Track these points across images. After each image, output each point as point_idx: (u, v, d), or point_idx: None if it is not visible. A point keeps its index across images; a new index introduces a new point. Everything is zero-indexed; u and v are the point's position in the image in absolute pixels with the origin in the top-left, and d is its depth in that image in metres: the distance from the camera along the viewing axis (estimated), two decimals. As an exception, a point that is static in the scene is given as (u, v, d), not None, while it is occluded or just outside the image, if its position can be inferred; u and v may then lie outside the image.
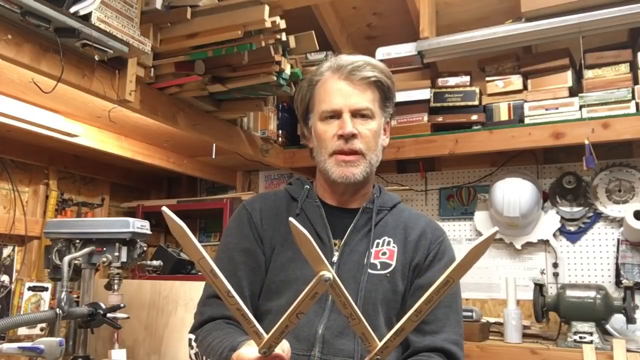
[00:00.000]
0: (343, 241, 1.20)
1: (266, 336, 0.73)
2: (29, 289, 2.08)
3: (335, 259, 1.18)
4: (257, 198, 1.32)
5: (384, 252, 1.20)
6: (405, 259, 1.20)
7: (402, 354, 1.17)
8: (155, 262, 1.92)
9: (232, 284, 1.13)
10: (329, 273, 0.69)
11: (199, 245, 0.71)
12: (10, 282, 2.10)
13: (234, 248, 1.21)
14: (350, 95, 1.19)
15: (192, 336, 1.14)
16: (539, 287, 2.18)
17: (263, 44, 1.76)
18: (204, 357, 1.06)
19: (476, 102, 2.44)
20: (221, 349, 1.00)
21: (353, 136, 1.17)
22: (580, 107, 2.21)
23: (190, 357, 1.14)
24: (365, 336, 0.74)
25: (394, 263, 1.19)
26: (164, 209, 0.72)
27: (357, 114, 1.19)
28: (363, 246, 1.20)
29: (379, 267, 1.18)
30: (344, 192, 1.24)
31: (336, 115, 1.19)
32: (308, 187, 1.28)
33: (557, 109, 2.26)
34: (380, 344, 0.72)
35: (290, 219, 0.73)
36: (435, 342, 1.13)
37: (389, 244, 1.21)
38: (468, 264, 0.66)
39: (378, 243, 1.21)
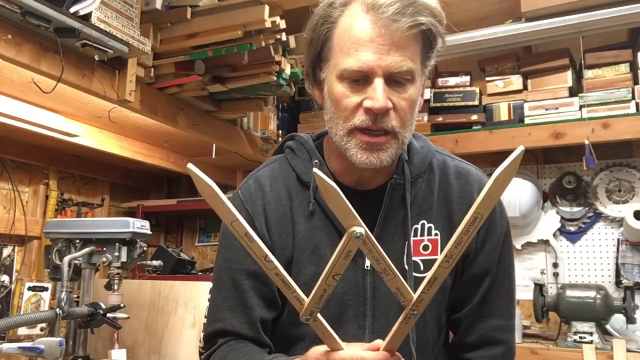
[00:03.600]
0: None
1: (307, 300, 0.70)
2: (29, 289, 2.08)
3: (368, 264, 0.94)
4: (254, 191, 1.01)
5: (426, 246, 0.96)
6: None
7: (444, 334, 1.04)
8: (155, 262, 1.93)
9: (241, 314, 0.95)
10: (360, 228, 0.64)
11: (231, 206, 0.65)
12: (10, 282, 2.10)
13: (238, 269, 0.97)
14: (388, 51, 0.84)
15: None
16: (539, 287, 2.17)
17: (263, 44, 1.77)
18: None
19: (476, 102, 2.45)
20: None
21: (386, 112, 0.86)
22: (580, 107, 2.22)
23: None
24: (400, 290, 0.70)
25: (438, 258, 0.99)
26: (190, 165, 0.63)
27: (391, 78, 0.86)
28: (399, 241, 0.95)
29: (422, 267, 0.95)
30: (365, 170, 0.95)
31: (363, 78, 0.86)
32: (318, 162, 0.99)
33: (557, 109, 2.27)
34: (415, 297, 0.69)
35: (315, 170, 0.62)
36: (487, 333, 0.99)
37: (429, 231, 0.96)
38: (496, 195, 0.58)
39: (416, 230, 0.96)
